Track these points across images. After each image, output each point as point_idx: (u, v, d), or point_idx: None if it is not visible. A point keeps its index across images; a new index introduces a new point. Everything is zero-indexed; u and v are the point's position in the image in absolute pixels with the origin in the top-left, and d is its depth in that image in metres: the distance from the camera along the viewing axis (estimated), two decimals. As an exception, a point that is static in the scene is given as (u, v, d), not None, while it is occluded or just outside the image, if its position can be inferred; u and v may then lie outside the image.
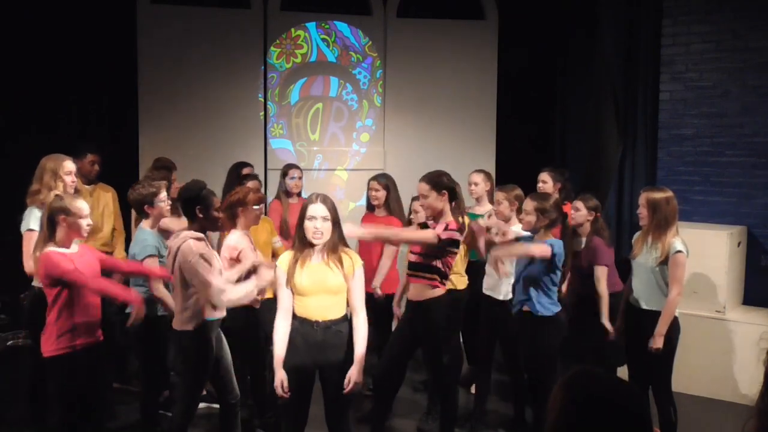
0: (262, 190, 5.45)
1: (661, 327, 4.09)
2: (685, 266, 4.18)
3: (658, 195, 4.20)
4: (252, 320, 4.34)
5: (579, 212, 4.72)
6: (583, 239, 4.75)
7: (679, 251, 4.11)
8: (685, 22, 5.96)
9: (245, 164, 5.53)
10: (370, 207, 5.35)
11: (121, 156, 6.29)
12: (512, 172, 5.99)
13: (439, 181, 4.02)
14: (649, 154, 6.09)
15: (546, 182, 5.37)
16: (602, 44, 6.21)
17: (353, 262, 3.55)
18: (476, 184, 5.40)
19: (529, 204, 4.13)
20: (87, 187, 5.35)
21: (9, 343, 6.10)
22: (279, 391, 3.49)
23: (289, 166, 5.68)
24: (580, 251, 4.73)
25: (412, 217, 4.86)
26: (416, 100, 7.02)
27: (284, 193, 5.55)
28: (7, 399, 5.02)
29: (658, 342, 4.10)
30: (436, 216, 4.04)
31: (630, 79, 6.10)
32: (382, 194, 5.22)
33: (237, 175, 5.42)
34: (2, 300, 6.14)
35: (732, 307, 5.48)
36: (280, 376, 3.48)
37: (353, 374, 3.50)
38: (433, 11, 7.04)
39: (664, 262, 4.14)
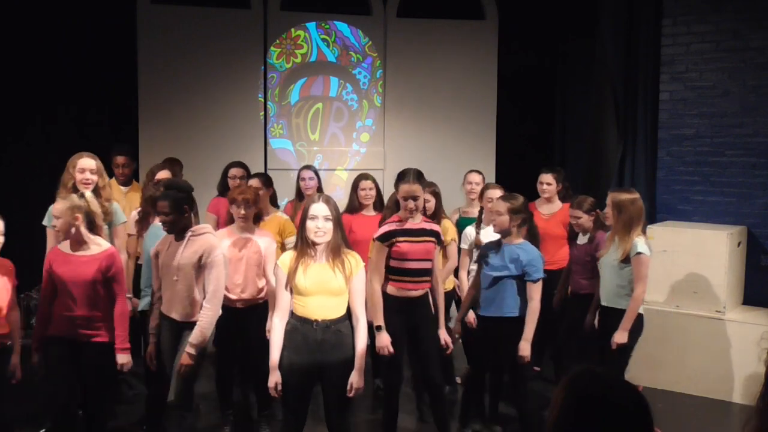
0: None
1: (625, 323, 4.19)
2: (649, 265, 4.27)
3: (623, 196, 4.31)
4: (261, 314, 4.33)
5: (580, 219, 4.74)
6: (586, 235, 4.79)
7: (641, 252, 4.19)
8: (685, 22, 5.95)
9: (234, 165, 5.52)
10: (356, 207, 5.19)
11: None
12: (512, 172, 6.00)
13: (422, 179, 4.19)
14: (649, 154, 6.08)
15: (551, 184, 5.39)
16: (602, 44, 6.21)
17: (355, 264, 3.55)
18: (477, 184, 5.38)
19: (502, 205, 4.15)
20: (122, 188, 5.39)
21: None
22: (272, 392, 3.50)
23: (303, 168, 5.67)
24: (582, 245, 4.77)
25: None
26: (416, 100, 7.02)
27: (297, 194, 5.53)
28: (7, 399, 5.01)
29: (621, 337, 4.19)
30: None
31: (630, 79, 6.09)
32: (374, 194, 5.19)
33: (224, 174, 5.47)
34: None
35: (732, 307, 5.48)
36: (275, 378, 3.49)
37: (354, 379, 3.51)
38: (433, 11, 7.04)
39: (625, 261, 4.23)
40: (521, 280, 4.09)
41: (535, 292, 4.06)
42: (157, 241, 4.10)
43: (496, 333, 4.19)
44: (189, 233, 3.85)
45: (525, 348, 4.05)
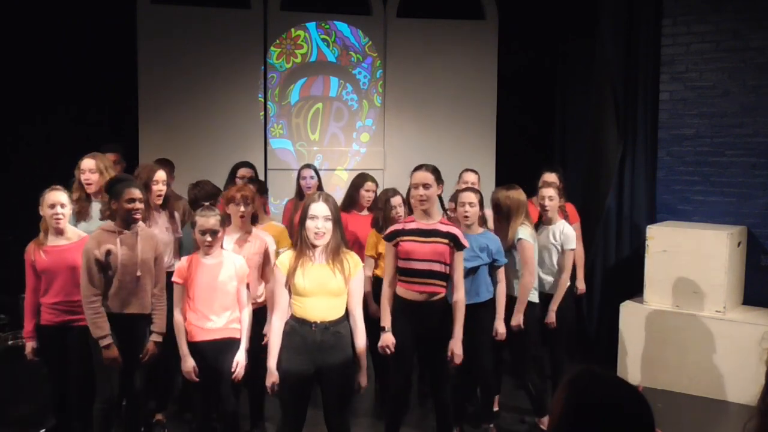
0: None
1: (518, 305, 4.45)
2: (533, 251, 4.49)
3: (499, 194, 4.57)
4: (260, 321, 4.24)
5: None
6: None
7: (521, 238, 4.46)
8: (685, 22, 5.95)
9: (242, 165, 5.49)
10: (353, 205, 5.19)
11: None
12: (512, 172, 5.99)
13: (439, 174, 4.07)
14: (649, 154, 6.08)
15: (553, 183, 5.38)
16: (602, 44, 6.20)
17: (354, 264, 3.55)
18: (473, 183, 5.34)
19: (473, 197, 4.36)
20: None
21: (9, 342, 6.11)
22: (269, 391, 3.51)
23: (303, 167, 5.62)
24: None
25: (393, 213, 4.66)
26: (416, 100, 7.02)
27: (297, 193, 5.50)
28: (7, 399, 5.02)
29: (515, 320, 4.44)
30: (429, 209, 3.98)
31: (630, 79, 6.09)
32: (374, 196, 5.17)
33: (232, 174, 5.42)
34: (2, 300, 6.15)
35: (732, 307, 5.48)
36: (273, 378, 3.49)
37: (363, 380, 3.57)
38: (433, 11, 7.04)
39: (510, 249, 4.48)
40: (491, 266, 4.38)
41: (502, 274, 4.40)
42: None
43: (472, 319, 4.25)
44: (137, 227, 3.92)
45: (500, 325, 4.37)
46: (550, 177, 5.39)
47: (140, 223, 3.97)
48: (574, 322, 4.95)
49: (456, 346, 3.97)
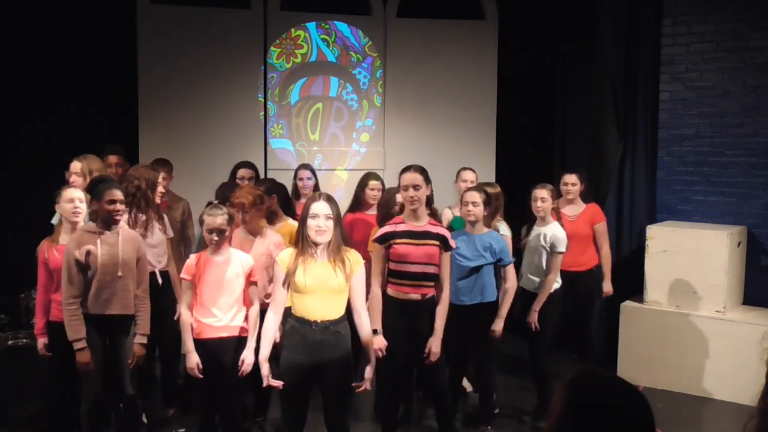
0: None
1: (505, 302, 4.50)
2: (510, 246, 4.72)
3: (490, 190, 4.68)
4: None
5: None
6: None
7: (505, 234, 4.70)
8: (685, 22, 5.96)
9: (242, 165, 5.48)
10: (360, 206, 5.21)
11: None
12: (512, 172, 6.00)
13: (427, 175, 4.07)
14: (649, 154, 6.09)
15: (576, 184, 5.41)
16: (602, 44, 6.20)
17: (355, 262, 3.56)
18: (472, 182, 5.32)
19: (477, 196, 4.39)
20: None
21: (9, 342, 6.11)
22: (266, 381, 3.51)
23: (300, 167, 5.62)
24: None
25: (396, 209, 4.62)
26: (416, 100, 7.01)
27: (293, 193, 5.48)
28: (7, 399, 5.02)
29: (503, 313, 4.52)
30: (419, 210, 3.98)
31: (630, 79, 6.09)
32: (380, 194, 5.18)
33: (232, 174, 5.41)
34: (2, 300, 6.15)
35: (732, 307, 5.48)
36: (265, 371, 3.50)
37: (369, 375, 3.60)
38: (433, 11, 7.03)
39: None
40: (495, 266, 4.44)
41: (510, 273, 4.45)
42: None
43: (475, 318, 4.37)
44: (119, 227, 3.92)
45: (499, 324, 4.43)
46: (571, 178, 5.42)
47: (122, 223, 3.97)
48: (556, 323, 4.88)
49: (434, 344, 4.00)
